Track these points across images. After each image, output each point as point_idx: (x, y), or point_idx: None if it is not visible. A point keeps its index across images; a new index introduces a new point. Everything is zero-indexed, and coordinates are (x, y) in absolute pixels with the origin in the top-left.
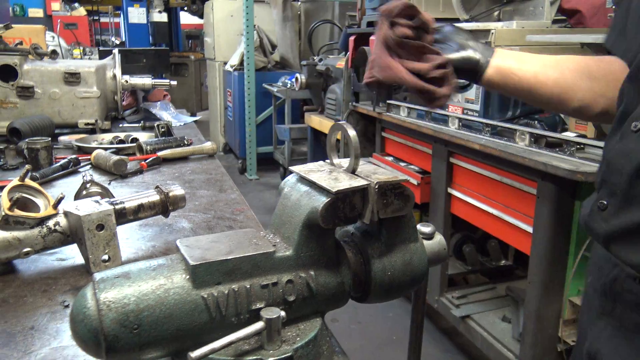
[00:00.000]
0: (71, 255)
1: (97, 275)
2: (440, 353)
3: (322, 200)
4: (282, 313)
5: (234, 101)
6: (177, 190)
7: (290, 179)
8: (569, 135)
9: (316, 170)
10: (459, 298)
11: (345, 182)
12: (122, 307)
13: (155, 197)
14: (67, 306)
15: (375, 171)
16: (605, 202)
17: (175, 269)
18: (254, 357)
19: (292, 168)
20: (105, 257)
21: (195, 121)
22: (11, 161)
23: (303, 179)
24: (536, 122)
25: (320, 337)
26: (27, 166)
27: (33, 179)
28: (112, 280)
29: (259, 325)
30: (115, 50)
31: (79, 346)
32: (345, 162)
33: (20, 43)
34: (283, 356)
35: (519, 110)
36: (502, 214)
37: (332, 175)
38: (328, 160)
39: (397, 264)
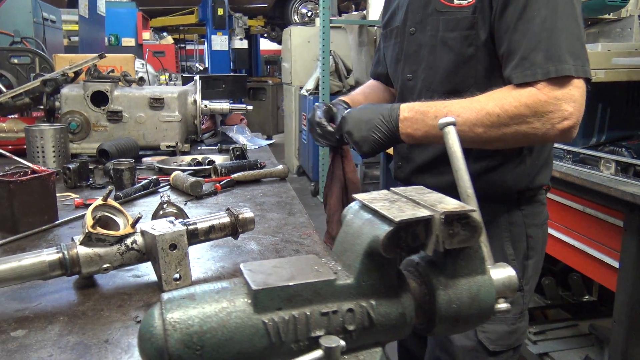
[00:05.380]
0: (146, 272)
1: (165, 296)
2: None
3: (384, 229)
4: (342, 342)
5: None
6: (247, 213)
7: (353, 206)
8: None
9: (379, 199)
10: (537, 334)
11: (409, 212)
12: (186, 327)
13: (226, 219)
14: (139, 322)
15: (441, 200)
16: None
17: (238, 292)
18: None
19: (355, 196)
20: (177, 275)
21: (270, 144)
22: (98, 180)
23: (366, 207)
24: (623, 149)
25: None
26: (110, 187)
27: (116, 198)
28: (178, 300)
29: (317, 353)
30: (197, 77)
31: None
32: (410, 191)
33: (112, 71)
34: None
35: (605, 137)
36: (585, 246)
37: (396, 205)
38: (394, 189)
39: (463, 297)
